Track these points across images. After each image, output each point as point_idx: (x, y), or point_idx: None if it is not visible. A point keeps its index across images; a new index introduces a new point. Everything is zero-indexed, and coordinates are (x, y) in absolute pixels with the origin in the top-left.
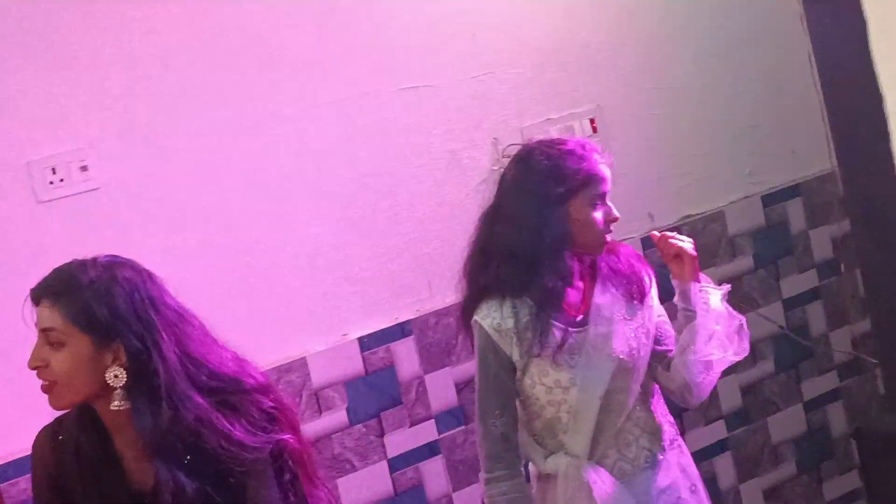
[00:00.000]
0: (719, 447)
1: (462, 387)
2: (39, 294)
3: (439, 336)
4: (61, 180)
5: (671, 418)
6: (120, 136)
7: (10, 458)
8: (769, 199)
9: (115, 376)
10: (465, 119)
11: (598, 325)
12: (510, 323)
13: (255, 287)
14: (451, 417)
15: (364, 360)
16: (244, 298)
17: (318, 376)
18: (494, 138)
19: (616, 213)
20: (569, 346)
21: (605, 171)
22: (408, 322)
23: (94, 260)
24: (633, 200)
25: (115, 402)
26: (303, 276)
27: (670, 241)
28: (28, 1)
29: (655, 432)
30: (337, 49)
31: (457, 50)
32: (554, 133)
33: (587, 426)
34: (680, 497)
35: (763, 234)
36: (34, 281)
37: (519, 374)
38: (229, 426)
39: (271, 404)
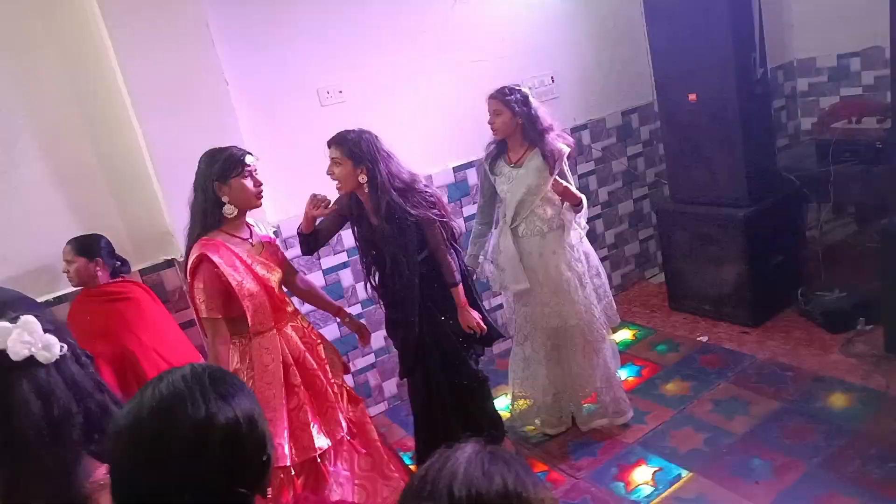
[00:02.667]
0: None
1: None
2: (330, 143)
3: None
4: (330, 96)
5: (571, 216)
6: (356, 77)
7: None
8: (624, 113)
9: (363, 177)
10: (500, 74)
11: (521, 169)
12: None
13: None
14: None
15: None
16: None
17: None
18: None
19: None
20: (507, 174)
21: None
22: None
23: (352, 129)
24: (569, 110)
25: (365, 189)
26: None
27: (559, 186)
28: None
29: (547, 221)
30: (452, 42)
31: (497, 46)
32: (535, 81)
33: (511, 211)
34: (541, 255)
35: (621, 129)
36: (318, 143)
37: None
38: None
39: (430, 196)
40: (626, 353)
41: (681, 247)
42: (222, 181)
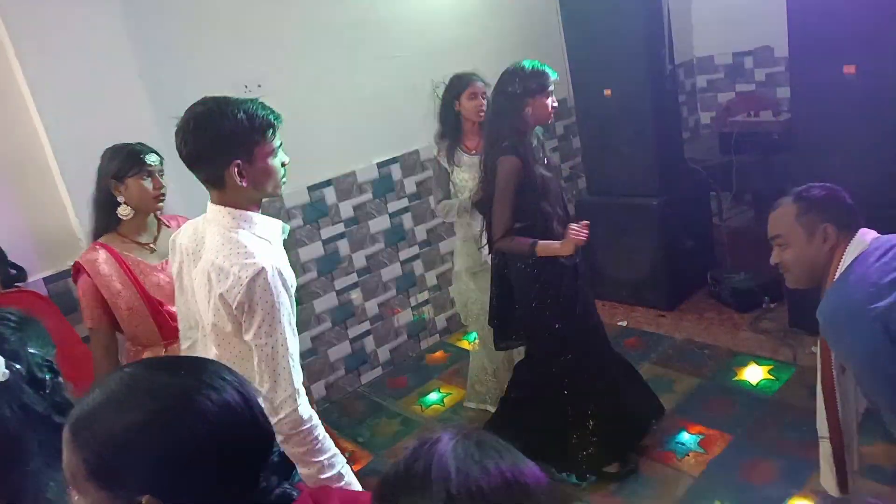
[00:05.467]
0: None
1: None
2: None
3: None
4: (249, 90)
5: None
6: (275, 72)
7: None
8: None
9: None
10: (420, 70)
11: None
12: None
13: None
14: None
15: None
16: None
17: None
18: (432, 79)
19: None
20: (467, 161)
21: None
22: None
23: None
24: None
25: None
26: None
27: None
28: None
29: None
30: (372, 37)
31: (417, 42)
32: None
33: (467, 194)
34: None
35: None
36: None
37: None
38: None
39: None
40: None
41: (598, 236)
42: (118, 180)
